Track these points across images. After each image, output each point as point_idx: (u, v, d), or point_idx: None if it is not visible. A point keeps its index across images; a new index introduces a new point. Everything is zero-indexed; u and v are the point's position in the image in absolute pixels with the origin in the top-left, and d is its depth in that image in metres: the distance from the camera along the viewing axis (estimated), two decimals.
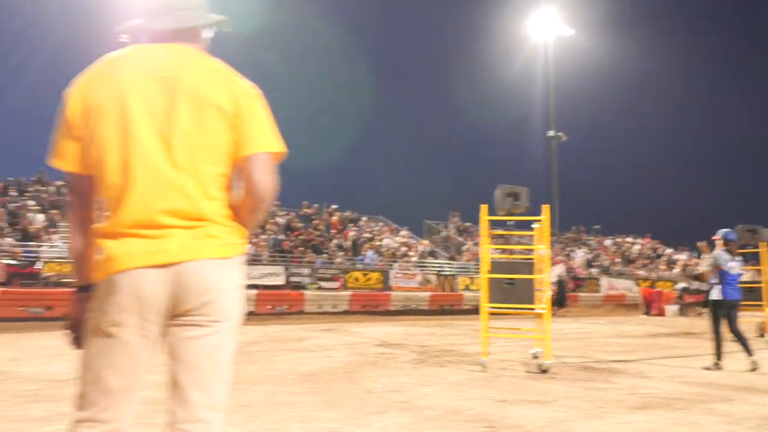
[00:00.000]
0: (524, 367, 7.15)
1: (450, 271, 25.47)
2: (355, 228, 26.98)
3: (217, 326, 1.78)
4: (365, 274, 22.06)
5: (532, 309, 7.39)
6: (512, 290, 7.47)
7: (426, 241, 28.25)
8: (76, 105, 1.77)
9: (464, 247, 28.86)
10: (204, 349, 1.77)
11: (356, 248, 24.54)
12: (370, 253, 24.06)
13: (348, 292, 20.81)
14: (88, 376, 1.74)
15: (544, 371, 6.73)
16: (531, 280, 7.42)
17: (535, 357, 7.40)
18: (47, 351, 7.49)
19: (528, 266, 7.83)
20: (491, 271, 7.41)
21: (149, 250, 1.70)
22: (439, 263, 26.19)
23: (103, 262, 1.71)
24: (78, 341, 1.82)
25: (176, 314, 1.75)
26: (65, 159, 1.79)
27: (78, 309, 1.81)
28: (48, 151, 1.81)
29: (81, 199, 1.81)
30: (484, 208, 7.44)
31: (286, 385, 5.73)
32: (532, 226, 8.02)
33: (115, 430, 1.75)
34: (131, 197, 1.71)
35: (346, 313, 19.13)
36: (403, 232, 28.54)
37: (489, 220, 7.55)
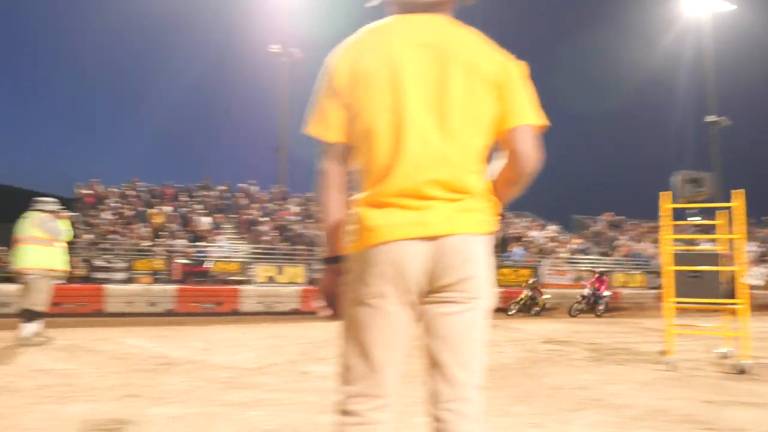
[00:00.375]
0: (713, 367, 6.54)
1: (604, 267, 24.29)
2: (502, 224, 26.52)
3: (473, 303, 1.71)
4: (515, 271, 21.59)
5: (726, 304, 6.76)
6: (698, 284, 6.89)
7: (578, 238, 27.17)
8: (343, 72, 1.74)
9: (617, 242, 27.44)
10: (462, 326, 1.70)
11: (504, 244, 24.08)
12: (518, 250, 23.53)
13: (498, 289, 20.44)
14: (352, 350, 1.73)
15: (742, 372, 6.12)
16: (717, 273, 6.80)
17: (725, 357, 6.77)
18: (230, 342, 7.96)
19: (713, 258, 7.19)
20: (674, 264, 6.87)
21: (412, 221, 1.65)
22: (591, 259, 25.07)
23: (363, 232, 1.68)
24: (334, 313, 1.81)
25: (432, 290, 1.69)
26: (328, 127, 1.76)
27: (330, 281, 1.79)
28: (305, 121, 1.80)
29: (338, 169, 1.77)
30: (665, 196, 6.90)
31: None
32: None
33: (386, 404, 1.74)
34: (399, 167, 1.67)
35: (497, 310, 18.80)
36: (552, 228, 27.63)
37: (665, 210, 6.99)
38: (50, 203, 7.45)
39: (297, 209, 23.59)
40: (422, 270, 1.66)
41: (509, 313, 17.21)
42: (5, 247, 17.55)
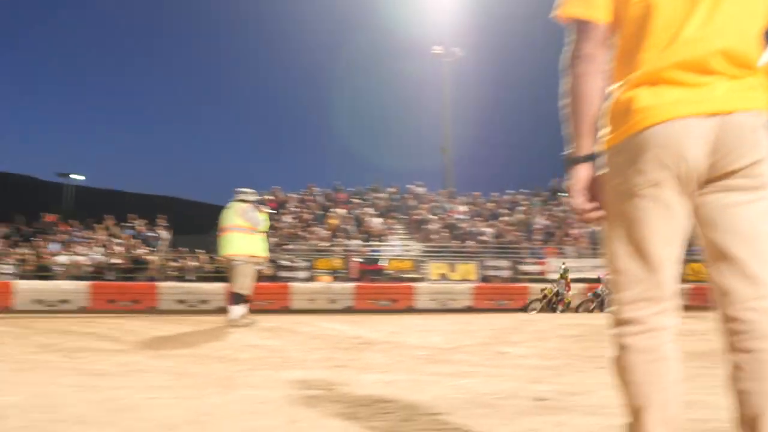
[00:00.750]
0: None
1: None
2: None
3: (766, 191, 1.48)
4: None
5: None
6: None
7: None
8: None
9: None
10: (755, 217, 1.49)
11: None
12: None
13: (686, 285, 18.92)
14: (624, 250, 1.56)
15: None
16: None
17: None
18: (419, 327, 8.00)
19: None
20: None
21: (692, 98, 1.47)
22: None
23: (633, 115, 1.51)
24: (595, 216, 1.64)
25: (716, 176, 1.48)
26: (594, 4, 1.59)
27: (588, 181, 1.62)
28: (560, 3, 1.65)
29: (600, 53, 1.61)
30: None
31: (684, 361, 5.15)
32: None
33: (669, 308, 1.56)
34: (682, 38, 1.48)
35: (685, 308, 17.34)
36: None
37: None
38: (251, 194, 7.99)
39: (465, 208, 23.51)
40: (704, 153, 1.46)
41: (529, 311, 14.87)
42: (203, 251, 19.30)
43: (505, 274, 19.33)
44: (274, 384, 4.01)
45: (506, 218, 22.53)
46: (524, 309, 15.15)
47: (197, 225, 28.39)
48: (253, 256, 7.70)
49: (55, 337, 5.96)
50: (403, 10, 31.68)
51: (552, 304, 15.10)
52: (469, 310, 17.15)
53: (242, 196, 7.91)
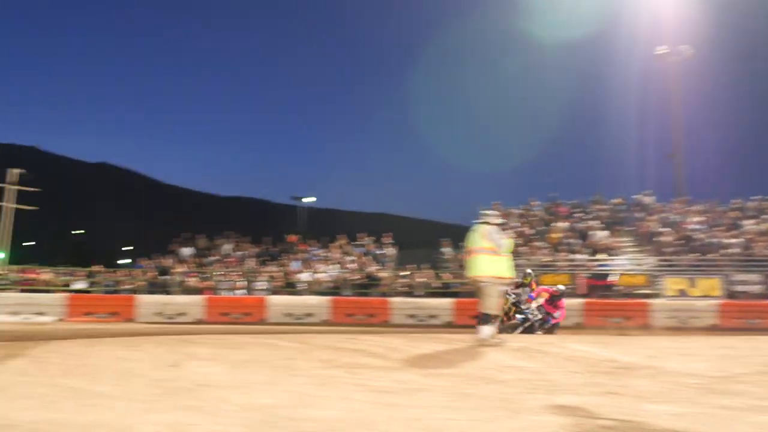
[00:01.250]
0: None
1: None
2: None
3: None
4: None
5: None
6: None
7: None
8: None
9: None
10: None
11: None
12: None
13: None
14: None
15: None
16: None
17: None
18: (674, 351, 7.53)
19: None
20: None
21: None
22: None
23: None
24: None
25: None
26: None
27: None
28: None
29: None
30: None
31: None
32: None
33: None
34: None
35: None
36: None
37: None
38: (494, 216, 8.18)
39: (701, 218, 21.60)
40: None
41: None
42: (429, 266, 20.02)
43: (756, 289, 17.42)
44: (556, 410, 4.08)
45: (753, 227, 20.29)
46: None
47: (418, 241, 29.50)
48: (499, 278, 7.85)
49: (331, 353, 6.61)
50: (624, 10, 30.09)
51: (510, 318, 12.23)
52: (714, 329, 15.72)
53: (487, 219, 8.12)
